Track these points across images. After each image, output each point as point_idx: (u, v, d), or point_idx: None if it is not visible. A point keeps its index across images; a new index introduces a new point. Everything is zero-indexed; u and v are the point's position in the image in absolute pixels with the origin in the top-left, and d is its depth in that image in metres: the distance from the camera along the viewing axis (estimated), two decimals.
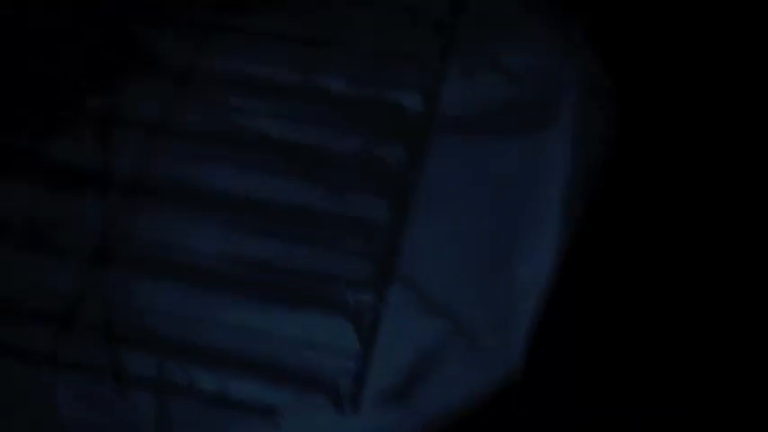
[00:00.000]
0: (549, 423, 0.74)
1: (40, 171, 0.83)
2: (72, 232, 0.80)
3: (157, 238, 0.79)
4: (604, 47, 0.85)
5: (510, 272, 0.77)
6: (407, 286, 0.77)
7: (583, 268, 0.78)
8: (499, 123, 0.83)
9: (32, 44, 0.89)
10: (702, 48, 0.86)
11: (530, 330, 0.75)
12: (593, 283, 0.78)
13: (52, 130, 0.85)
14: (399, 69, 0.84)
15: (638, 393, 0.74)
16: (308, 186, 0.80)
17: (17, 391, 0.74)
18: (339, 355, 0.74)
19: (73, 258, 0.78)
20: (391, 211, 0.79)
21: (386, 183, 0.80)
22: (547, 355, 0.74)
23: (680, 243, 0.79)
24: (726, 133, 0.83)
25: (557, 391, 0.75)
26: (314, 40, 0.86)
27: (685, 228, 0.80)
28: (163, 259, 0.78)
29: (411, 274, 0.78)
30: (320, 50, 0.86)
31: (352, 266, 0.77)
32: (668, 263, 0.78)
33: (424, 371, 0.74)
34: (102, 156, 0.83)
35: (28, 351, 0.75)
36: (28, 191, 0.82)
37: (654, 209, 0.80)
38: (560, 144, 0.81)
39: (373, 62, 0.85)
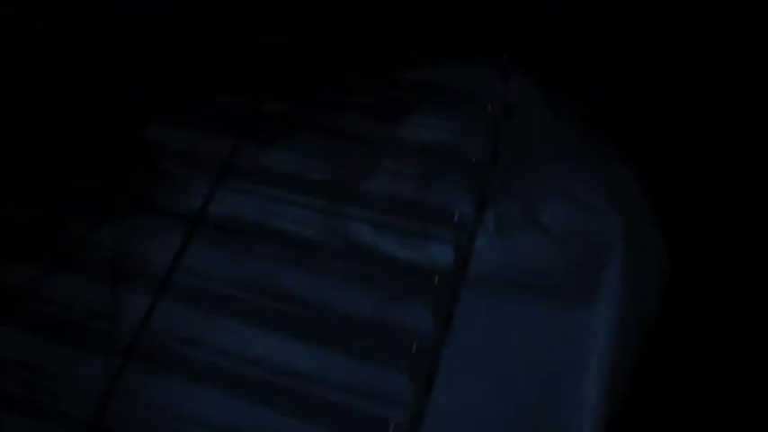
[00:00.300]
0: None
1: (40, 318, 0.77)
2: (68, 395, 0.73)
3: (160, 406, 0.72)
4: (657, 198, 0.76)
5: None
6: None
7: None
8: (536, 288, 0.74)
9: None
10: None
11: None
12: None
13: (57, 267, 0.79)
14: (430, 222, 0.77)
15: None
16: (323, 354, 0.73)
17: None
18: None
19: (68, 426, 0.72)
20: (414, 383, 0.71)
21: (409, 350, 0.72)
22: None
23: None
24: None
25: None
26: (337, 186, 0.79)
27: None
28: None
29: None
30: (344, 197, 0.78)
31: None
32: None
33: None
34: (107, 307, 0.77)
35: None
36: (27, 339, 0.76)
37: (703, 395, 0.71)
38: (602, 319, 0.72)
39: (402, 213, 0.77)
